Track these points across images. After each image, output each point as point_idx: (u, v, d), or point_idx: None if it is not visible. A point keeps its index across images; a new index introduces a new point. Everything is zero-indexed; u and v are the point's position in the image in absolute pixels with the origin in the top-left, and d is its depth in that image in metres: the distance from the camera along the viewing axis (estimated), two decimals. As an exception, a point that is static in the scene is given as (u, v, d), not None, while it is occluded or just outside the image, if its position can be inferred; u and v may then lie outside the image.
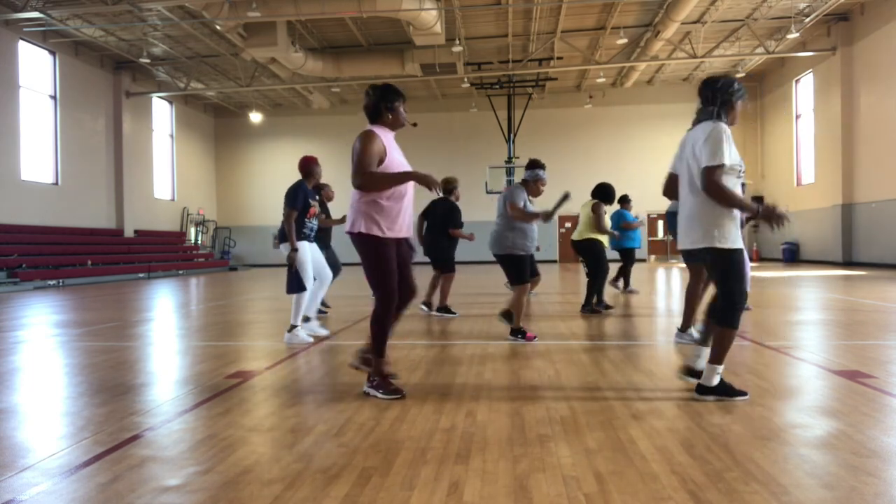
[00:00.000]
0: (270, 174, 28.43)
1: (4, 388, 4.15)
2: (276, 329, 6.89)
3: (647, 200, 21.74)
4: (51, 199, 19.03)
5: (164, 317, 8.64)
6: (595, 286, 7.90)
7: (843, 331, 6.09)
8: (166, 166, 26.22)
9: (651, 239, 26.92)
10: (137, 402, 3.71)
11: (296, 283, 5.81)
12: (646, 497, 2.22)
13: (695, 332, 5.45)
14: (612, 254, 9.17)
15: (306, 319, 6.29)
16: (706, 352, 3.63)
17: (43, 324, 7.89)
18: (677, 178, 3.78)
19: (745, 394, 3.53)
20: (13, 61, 17.61)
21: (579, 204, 8.52)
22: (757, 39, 20.49)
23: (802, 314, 7.45)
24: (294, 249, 5.73)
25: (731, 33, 20.70)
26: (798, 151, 23.60)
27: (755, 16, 19.10)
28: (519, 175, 21.26)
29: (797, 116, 23.60)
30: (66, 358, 5.31)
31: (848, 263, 19.64)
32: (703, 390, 3.52)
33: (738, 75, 24.00)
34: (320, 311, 8.15)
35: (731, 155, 3.37)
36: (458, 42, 19.72)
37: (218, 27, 17.83)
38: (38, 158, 18.81)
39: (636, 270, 17.31)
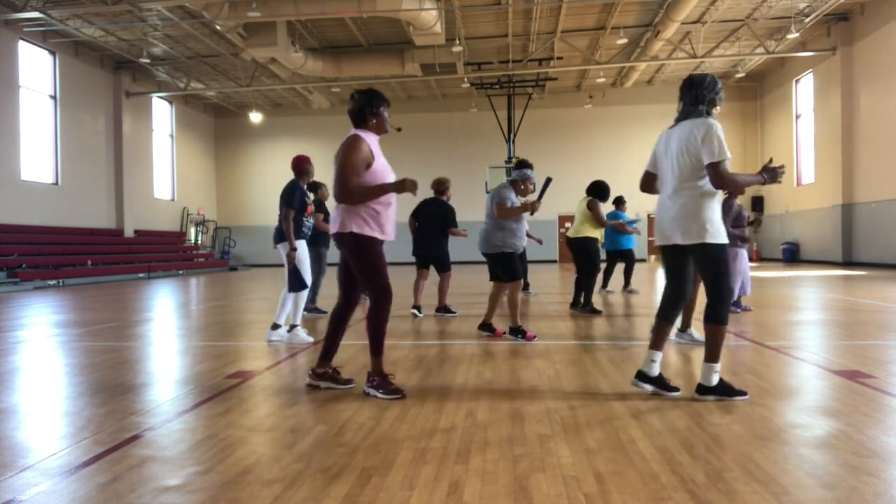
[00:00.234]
0: (270, 174, 28.42)
1: (4, 388, 4.15)
2: (276, 329, 6.88)
3: (647, 201, 21.76)
4: (51, 199, 19.03)
5: (164, 317, 8.64)
6: (584, 285, 7.88)
7: (843, 331, 6.09)
8: (166, 166, 26.22)
9: (651, 239, 26.92)
10: (137, 402, 3.71)
11: (297, 282, 5.83)
12: (646, 497, 2.22)
13: (695, 332, 5.45)
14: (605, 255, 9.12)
15: (275, 326, 5.96)
16: (660, 356, 3.65)
17: (43, 324, 7.89)
18: (654, 176, 3.84)
19: (744, 394, 3.53)
20: (13, 61, 17.61)
21: (575, 202, 8.51)
22: (757, 39, 20.48)
23: (802, 314, 7.45)
24: (293, 248, 5.75)
25: (731, 33, 20.70)
26: (798, 151, 23.61)
27: (755, 16, 19.10)
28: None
29: (797, 116, 23.61)
30: (66, 358, 5.31)
31: (848, 263, 19.64)
32: (703, 390, 3.53)
33: (738, 75, 24.09)
34: (315, 312, 8.17)
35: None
36: (458, 42, 19.72)
37: (218, 27, 17.83)
38: (38, 158, 18.82)
39: (636, 271, 17.26)
